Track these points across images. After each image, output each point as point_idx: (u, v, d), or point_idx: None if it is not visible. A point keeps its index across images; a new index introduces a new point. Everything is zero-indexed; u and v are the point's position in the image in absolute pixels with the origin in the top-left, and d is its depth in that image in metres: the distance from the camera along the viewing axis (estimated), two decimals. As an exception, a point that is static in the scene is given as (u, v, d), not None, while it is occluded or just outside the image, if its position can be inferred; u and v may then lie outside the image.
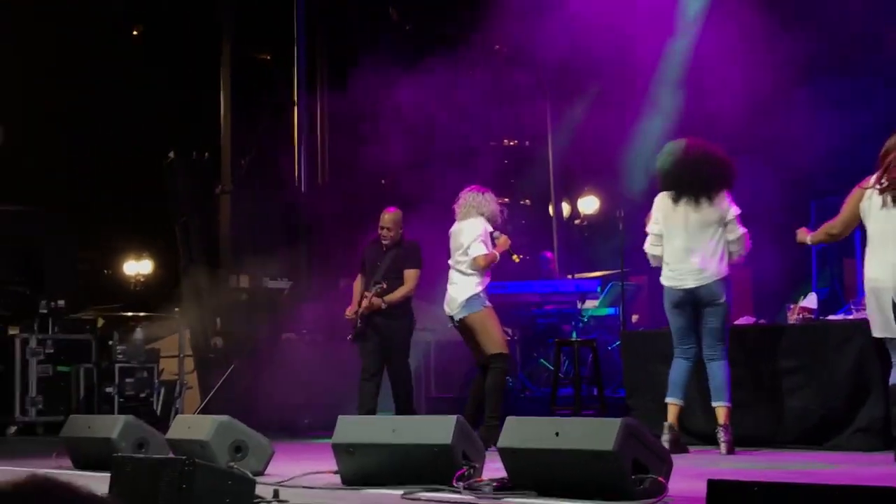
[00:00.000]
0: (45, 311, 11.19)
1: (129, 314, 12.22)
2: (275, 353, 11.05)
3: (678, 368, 7.09)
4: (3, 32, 16.20)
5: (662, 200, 7.12)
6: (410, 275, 8.58)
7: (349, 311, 8.66)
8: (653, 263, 7.26)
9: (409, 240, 8.74)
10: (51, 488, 1.80)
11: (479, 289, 7.75)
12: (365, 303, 8.48)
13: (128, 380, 11.08)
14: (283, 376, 10.90)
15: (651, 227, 7.18)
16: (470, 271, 7.74)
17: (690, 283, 6.99)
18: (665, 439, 6.75)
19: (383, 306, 8.47)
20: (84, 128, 17.52)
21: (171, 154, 12.08)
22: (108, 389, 10.99)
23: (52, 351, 11.12)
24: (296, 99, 12.56)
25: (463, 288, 7.75)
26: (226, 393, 11.00)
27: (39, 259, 12.27)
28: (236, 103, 12.22)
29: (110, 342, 11.23)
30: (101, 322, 12.12)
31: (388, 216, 8.65)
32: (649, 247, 7.21)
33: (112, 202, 17.84)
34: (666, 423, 6.95)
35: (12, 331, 11.19)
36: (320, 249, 12.14)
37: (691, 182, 6.97)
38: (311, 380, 10.81)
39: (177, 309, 11.94)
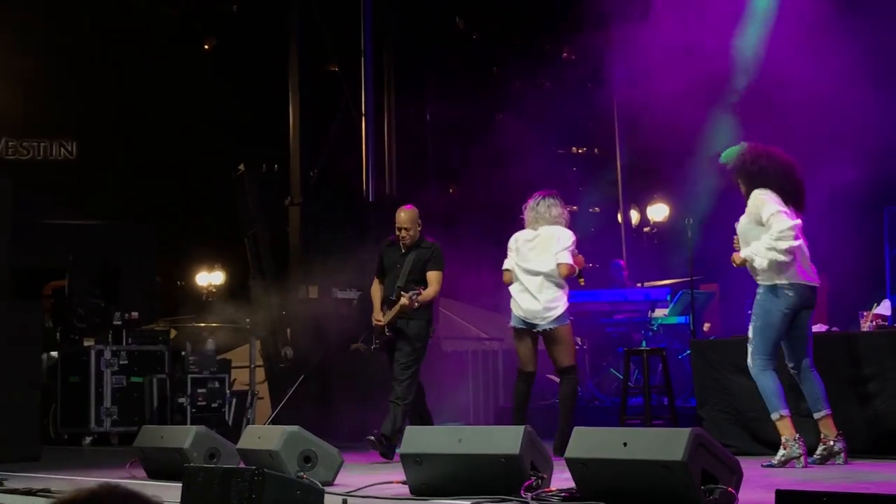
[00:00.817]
0: (118, 323, 11.39)
1: (202, 325, 12.39)
2: (344, 364, 11.13)
3: (776, 378, 6.67)
4: (81, 51, 16.57)
5: (776, 196, 6.64)
6: (434, 277, 8.18)
7: (376, 318, 8.29)
8: (788, 258, 6.61)
9: (430, 240, 8.33)
10: (121, 496, 1.86)
11: (567, 302, 7.97)
12: (397, 307, 8.03)
13: (200, 390, 11.24)
14: (353, 386, 10.99)
15: (792, 218, 6.59)
16: (557, 281, 7.90)
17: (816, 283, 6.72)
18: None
19: (416, 305, 8.01)
20: (158, 142, 17.84)
21: (241, 167, 12.24)
22: (181, 400, 11.16)
23: (125, 362, 11.32)
24: (364, 109, 12.66)
25: (553, 298, 7.90)
26: (296, 403, 11.11)
27: (116, 272, 12.51)
28: (305, 115, 12.35)
29: (183, 353, 11.39)
30: (173, 333, 12.30)
31: (405, 214, 8.21)
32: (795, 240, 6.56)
33: (185, 214, 18.13)
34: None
35: (87, 342, 11.41)
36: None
37: (794, 191, 6.73)
38: (380, 389, 10.87)
39: (248, 320, 12.09)
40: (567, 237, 7.91)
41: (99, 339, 11.42)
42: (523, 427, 5.18)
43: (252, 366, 11.82)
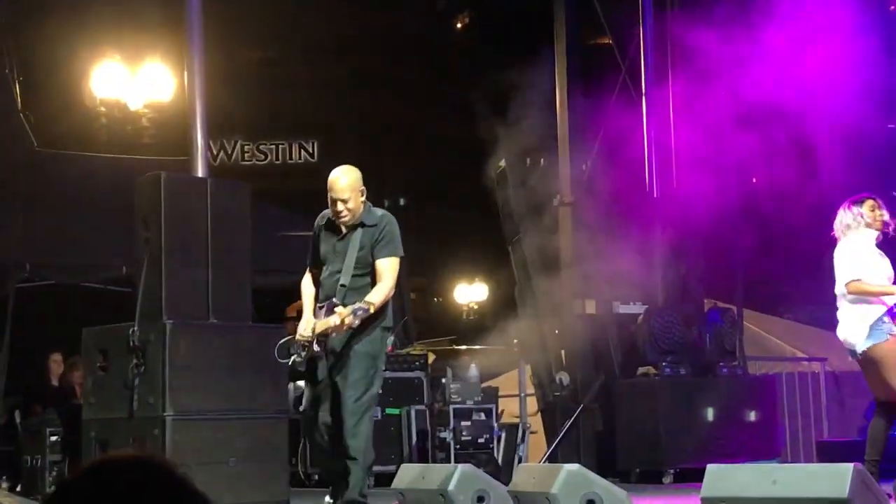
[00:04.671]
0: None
1: (463, 347, 12.61)
2: (631, 390, 11.08)
3: None
4: (315, 41, 17.29)
5: None
6: (387, 266, 7.05)
7: (301, 332, 7.09)
8: None
9: (379, 210, 7.22)
10: (157, 466, 2.08)
11: (877, 314, 7.65)
12: (333, 322, 6.81)
13: (464, 423, 11.42)
14: (641, 417, 10.92)
15: None
16: (851, 298, 7.76)
17: None
18: None
19: (355, 324, 6.79)
20: (405, 138, 18.38)
21: (502, 162, 12.39)
22: (443, 434, 11.38)
23: (380, 391, 11.65)
24: (644, 88, 12.56)
25: (853, 316, 7.73)
26: (575, 437, 11.14)
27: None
28: (574, 98, 12.37)
29: (443, 380, 11.61)
30: (431, 358, 12.53)
31: (341, 179, 7.02)
32: None
33: (439, 220, 18.55)
34: None
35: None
36: (679, 266, 12.06)
37: None
38: (674, 421, 10.76)
39: (515, 341, 12.21)
40: (839, 250, 7.80)
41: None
42: (852, 465, 5.02)
43: (522, 394, 11.94)
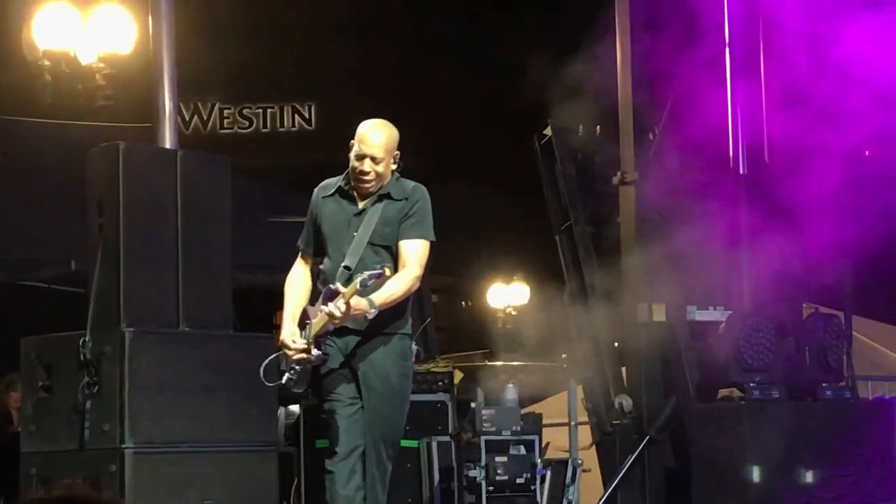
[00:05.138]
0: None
1: (498, 364, 12.57)
2: (710, 418, 11.02)
3: None
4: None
5: None
6: (416, 250, 7.01)
7: (284, 339, 7.05)
8: None
9: (410, 182, 7.18)
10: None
11: None
12: (327, 313, 6.75)
13: (498, 458, 11.38)
14: (723, 452, 10.86)
15: None
16: None
17: None
18: None
19: (370, 314, 6.80)
20: (426, 99, 18.35)
21: (548, 130, 12.34)
22: (472, 472, 11.34)
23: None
24: (727, 37, 12.48)
25: None
26: (639, 477, 11.10)
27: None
28: (638, 49, 12.31)
29: (473, 404, 11.57)
30: (458, 376, 12.50)
31: (377, 132, 7.06)
32: None
33: (469, 203, 18.52)
34: None
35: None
36: (772, 261, 11.99)
37: None
38: (765, 457, 10.71)
39: (564, 355, 12.17)
40: None
41: (355, 386, 11.79)
42: None
43: (573, 423, 11.90)
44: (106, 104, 15.38)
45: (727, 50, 12.48)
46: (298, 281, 7.31)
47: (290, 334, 7.06)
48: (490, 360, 12.84)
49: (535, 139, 12.50)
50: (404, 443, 11.60)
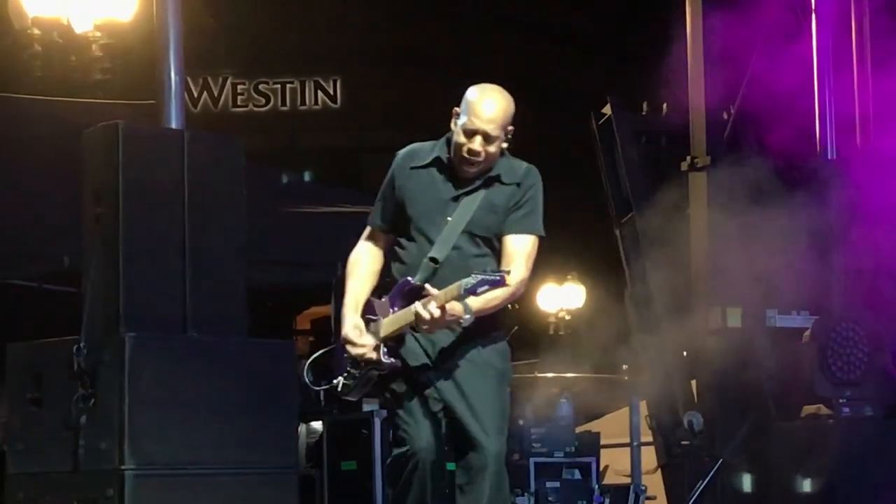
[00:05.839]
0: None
1: (549, 375, 12.57)
2: (793, 438, 11.01)
3: None
4: None
5: None
6: (525, 246, 6.70)
7: (348, 334, 6.67)
8: None
9: (523, 163, 6.81)
10: None
11: None
12: (414, 313, 6.42)
13: (550, 483, 11.40)
14: (808, 476, 10.85)
15: None
16: None
17: None
18: None
19: (464, 321, 6.46)
20: (461, 67, 18.33)
21: (607, 108, 12.33)
22: (520, 500, 11.36)
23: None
24: (814, 4, 12.45)
25: None
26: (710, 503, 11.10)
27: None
28: (712, 18, 12.30)
29: (521, 422, 11.57)
30: (504, 388, 12.50)
31: (496, 105, 6.65)
32: None
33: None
34: None
35: (369, 406, 11.79)
36: (867, 260, 11.95)
37: None
38: (857, 482, 10.70)
39: (625, 367, 12.16)
40: None
41: (386, 400, 11.79)
42: None
43: (635, 443, 11.89)
44: (103, 78, 15.39)
45: (813, 19, 12.46)
46: (365, 262, 6.85)
47: (355, 327, 6.65)
48: (540, 372, 12.82)
49: (591, 118, 12.49)
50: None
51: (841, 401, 11.22)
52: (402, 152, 6.85)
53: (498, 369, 6.73)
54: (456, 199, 6.63)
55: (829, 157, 12.35)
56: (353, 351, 6.63)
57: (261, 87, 22.42)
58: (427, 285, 6.46)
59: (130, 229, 8.55)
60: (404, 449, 6.69)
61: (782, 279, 11.42)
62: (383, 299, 6.70)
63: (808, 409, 11.56)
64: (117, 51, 15.16)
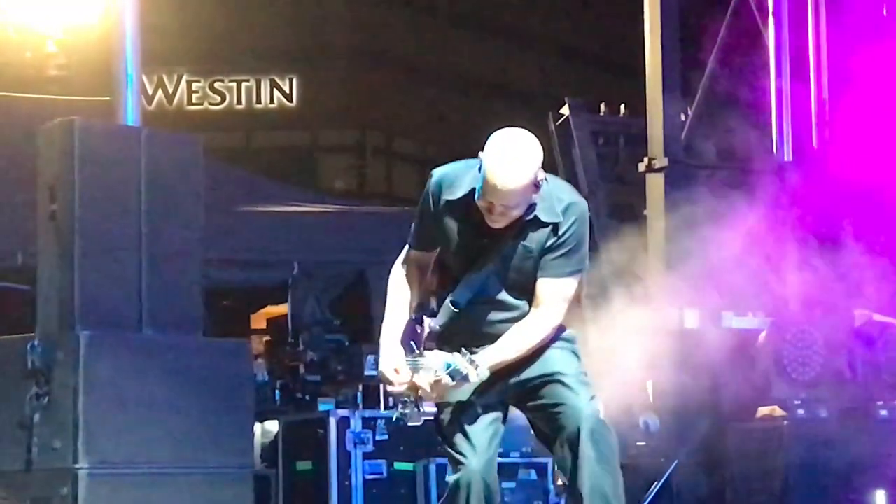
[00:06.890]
0: (373, 373, 11.69)
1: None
2: (748, 440, 11.03)
3: None
4: None
5: None
6: (555, 290, 6.27)
7: (386, 366, 6.12)
8: None
9: (565, 194, 6.19)
10: None
11: None
12: (425, 380, 5.97)
13: (505, 484, 11.33)
14: (763, 478, 10.87)
15: None
16: None
17: None
18: None
19: (474, 380, 6.02)
20: (425, 68, 18.33)
21: (565, 109, 12.33)
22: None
23: (384, 437, 11.58)
24: (771, 6, 12.49)
25: None
26: (666, 506, 11.13)
27: (363, 287, 12.86)
28: (668, 20, 12.30)
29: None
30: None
31: (515, 179, 5.88)
32: None
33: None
34: None
35: (324, 405, 11.75)
36: (821, 261, 11.99)
37: None
38: (811, 484, 10.72)
39: (581, 367, 12.17)
40: None
41: (342, 401, 11.75)
42: None
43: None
44: (59, 75, 15.38)
45: (770, 28, 12.51)
46: (404, 291, 6.31)
47: (391, 365, 6.13)
48: (496, 372, 12.82)
49: (549, 119, 12.49)
50: (399, 465, 11.64)
51: (796, 402, 11.25)
52: (437, 176, 6.18)
53: (560, 340, 6.47)
54: (491, 237, 6.11)
55: (785, 159, 12.39)
56: (392, 391, 6.22)
57: (216, 85, 22.32)
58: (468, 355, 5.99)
59: (86, 226, 8.53)
60: (458, 475, 6.33)
61: (738, 281, 11.45)
62: (413, 341, 6.19)
63: (764, 411, 11.59)
64: (73, 47, 15.11)
